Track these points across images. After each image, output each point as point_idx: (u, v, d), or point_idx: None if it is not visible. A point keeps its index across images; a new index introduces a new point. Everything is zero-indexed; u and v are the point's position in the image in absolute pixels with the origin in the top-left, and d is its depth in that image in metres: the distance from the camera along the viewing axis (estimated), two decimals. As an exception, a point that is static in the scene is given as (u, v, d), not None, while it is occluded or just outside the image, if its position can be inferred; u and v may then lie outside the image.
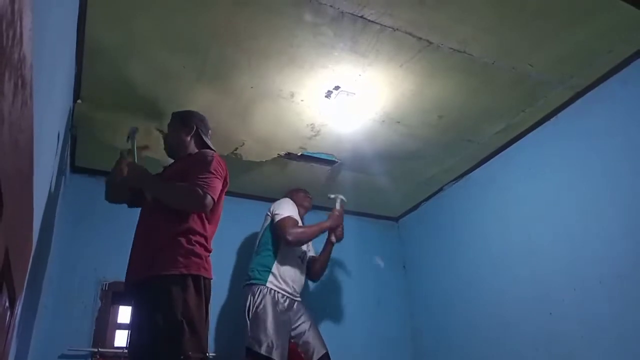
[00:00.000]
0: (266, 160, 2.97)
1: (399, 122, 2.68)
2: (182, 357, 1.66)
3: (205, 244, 1.93)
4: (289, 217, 2.76)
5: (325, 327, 2.77)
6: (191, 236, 1.87)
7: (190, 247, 1.85)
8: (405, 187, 3.43)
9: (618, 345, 2.12)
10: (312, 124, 2.69)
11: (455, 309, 3.12)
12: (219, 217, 2.08)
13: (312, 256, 3.05)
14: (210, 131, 2.29)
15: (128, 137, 2.29)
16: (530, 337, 2.54)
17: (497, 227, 2.90)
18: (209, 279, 1.91)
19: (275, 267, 2.68)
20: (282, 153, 2.92)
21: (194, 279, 1.80)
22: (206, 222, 1.95)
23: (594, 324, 2.23)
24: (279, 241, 2.76)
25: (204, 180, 1.90)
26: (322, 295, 3.32)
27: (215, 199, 1.92)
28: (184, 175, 1.95)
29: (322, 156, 2.99)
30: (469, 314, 3.00)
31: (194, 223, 1.90)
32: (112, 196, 2.27)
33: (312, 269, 2.99)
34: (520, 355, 2.59)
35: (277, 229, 2.75)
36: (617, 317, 2.14)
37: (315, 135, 2.79)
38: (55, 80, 1.41)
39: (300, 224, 2.84)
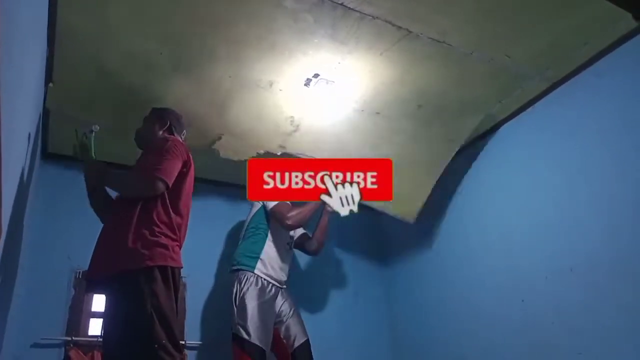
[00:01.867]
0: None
1: (378, 113, 2.67)
2: (156, 345, 1.67)
3: (171, 233, 1.90)
4: (282, 202, 2.75)
5: (303, 317, 2.78)
6: (154, 227, 1.85)
7: (155, 238, 1.83)
8: (383, 176, 3.43)
9: (589, 331, 2.18)
10: (291, 117, 2.65)
11: (432, 299, 3.16)
12: (187, 204, 2.04)
13: (304, 233, 3.03)
14: (184, 131, 2.28)
15: (85, 134, 2.13)
16: (504, 324, 2.59)
17: (473, 217, 2.94)
18: (178, 268, 1.90)
19: (263, 254, 2.68)
20: (261, 152, 2.85)
21: (160, 270, 1.79)
22: (171, 211, 1.92)
23: (566, 311, 2.29)
24: (267, 227, 2.76)
25: (155, 163, 1.88)
26: (299, 286, 3.31)
27: (168, 181, 1.88)
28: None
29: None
30: (446, 303, 3.03)
31: (158, 214, 1.88)
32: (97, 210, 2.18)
33: (313, 242, 2.98)
34: (495, 343, 2.63)
35: (273, 215, 2.74)
36: (588, 304, 2.20)
37: (295, 131, 2.74)
38: (24, 64, 1.36)
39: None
